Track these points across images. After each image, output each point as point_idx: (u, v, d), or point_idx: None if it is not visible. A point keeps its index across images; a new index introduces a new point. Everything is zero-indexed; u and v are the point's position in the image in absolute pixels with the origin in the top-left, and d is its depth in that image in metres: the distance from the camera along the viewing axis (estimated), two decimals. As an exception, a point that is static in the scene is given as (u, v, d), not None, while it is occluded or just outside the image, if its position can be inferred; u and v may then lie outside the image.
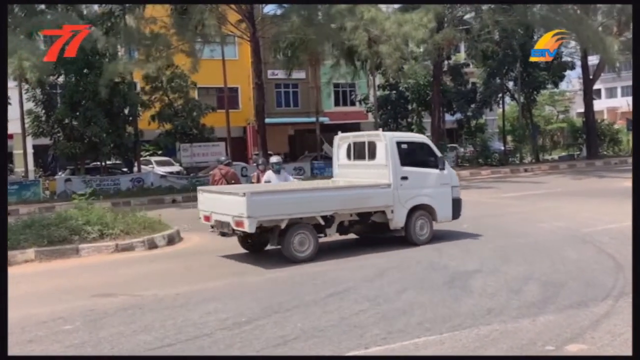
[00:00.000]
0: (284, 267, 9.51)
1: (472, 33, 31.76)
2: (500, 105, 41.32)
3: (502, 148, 38.45)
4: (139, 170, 28.71)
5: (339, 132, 12.57)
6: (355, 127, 46.23)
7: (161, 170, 30.01)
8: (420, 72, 36.73)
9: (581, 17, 30.65)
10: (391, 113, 40.34)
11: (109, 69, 23.90)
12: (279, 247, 10.06)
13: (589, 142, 37.11)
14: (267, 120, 30.10)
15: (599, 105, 54.62)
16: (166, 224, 13.15)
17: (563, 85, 46.24)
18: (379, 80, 39.38)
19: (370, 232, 11.45)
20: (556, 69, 36.93)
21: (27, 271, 10.00)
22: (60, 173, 28.55)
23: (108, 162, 29.11)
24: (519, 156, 37.07)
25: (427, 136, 38.77)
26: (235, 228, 9.78)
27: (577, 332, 5.77)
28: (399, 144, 11.26)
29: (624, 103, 60.48)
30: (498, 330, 5.88)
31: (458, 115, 40.65)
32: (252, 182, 13.77)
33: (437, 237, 11.42)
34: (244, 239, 10.78)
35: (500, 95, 39.39)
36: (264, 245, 10.71)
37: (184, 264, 10.20)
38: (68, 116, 25.55)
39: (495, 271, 8.48)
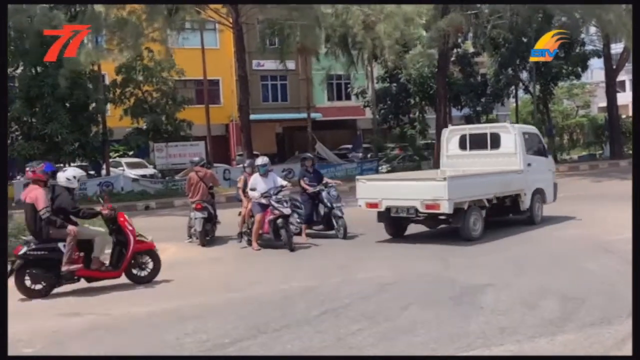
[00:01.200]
0: (271, 282, 9.53)
1: (481, 18, 31.81)
2: (514, 99, 41.44)
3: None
4: (108, 173, 28.65)
5: (453, 126, 16.45)
6: (350, 124, 46.54)
7: (133, 173, 29.91)
8: (423, 61, 36.74)
9: (602, -1, 30.59)
10: (391, 107, 40.40)
11: (69, 60, 23.56)
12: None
13: (612, 140, 37.15)
14: (252, 116, 30.11)
15: (623, 98, 54.70)
16: (139, 233, 13.11)
17: (585, 77, 46.38)
18: (377, 71, 39.40)
19: (497, 215, 13.64)
20: (576, 58, 37.07)
21: (-19, 288, 9.95)
22: (18, 177, 28.41)
23: (73, 164, 29.01)
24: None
25: (432, 134, 39.10)
26: (423, 211, 11.97)
27: (600, 353, 5.81)
28: (523, 134, 14.14)
29: (651, 96, 60.78)
30: (512, 351, 5.91)
31: (466, 111, 40.73)
32: (239, 187, 13.80)
33: (442, 246, 11.51)
34: (394, 223, 13.03)
35: (512, 87, 39.51)
36: (405, 230, 13.28)
37: (159, 279, 10.18)
38: (26, 113, 25.44)
39: (509, 285, 8.51)
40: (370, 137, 40.43)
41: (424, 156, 35.43)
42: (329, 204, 13.24)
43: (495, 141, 14.08)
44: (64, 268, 8.89)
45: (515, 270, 9.46)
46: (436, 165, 20.16)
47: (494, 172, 13.51)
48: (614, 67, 37.24)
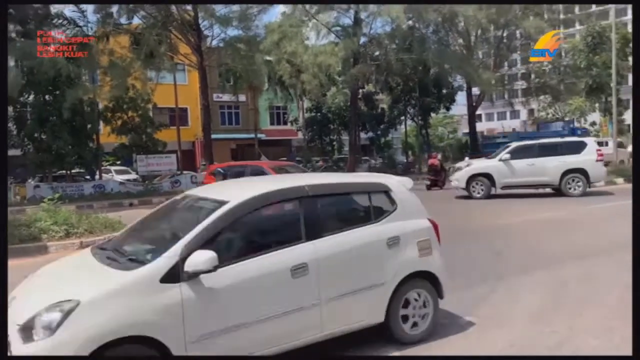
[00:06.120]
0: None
1: (381, 67, 32.48)
2: (403, 126, 42.52)
3: (405, 160, 39.50)
4: (100, 177, 27.57)
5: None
6: (287, 143, 46.49)
7: (120, 178, 28.93)
8: (340, 98, 37.29)
9: (465, 56, 32.04)
10: (317, 131, 40.73)
11: (70, 93, 22.54)
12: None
13: (473, 155, 38.47)
14: (212, 136, 29.58)
15: (479, 127, 57.01)
16: (125, 224, 12.69)
17: (454, 111, 47.86)
18: (307, 104, 39.69)
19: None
20: (446, 96, 38.27)
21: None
22: (30, 180, 26.97)
23: (73, 171, 27.76)
24: (417, 167, 38.13)
25: (345, 151, 39.39)
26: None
27: (466, 310, 5.98)
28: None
29: (499, 125, 63.88)
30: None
31: (370, 134, 41.47)
32: None
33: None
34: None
35: (402, 117, 40.55)
36: None
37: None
38: (37, 131, 24.19)
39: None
40: (301, 152, 40.59)
41: (340, 166, 35.78)
42: None
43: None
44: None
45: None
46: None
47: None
48: (474, 104, 38.66)
